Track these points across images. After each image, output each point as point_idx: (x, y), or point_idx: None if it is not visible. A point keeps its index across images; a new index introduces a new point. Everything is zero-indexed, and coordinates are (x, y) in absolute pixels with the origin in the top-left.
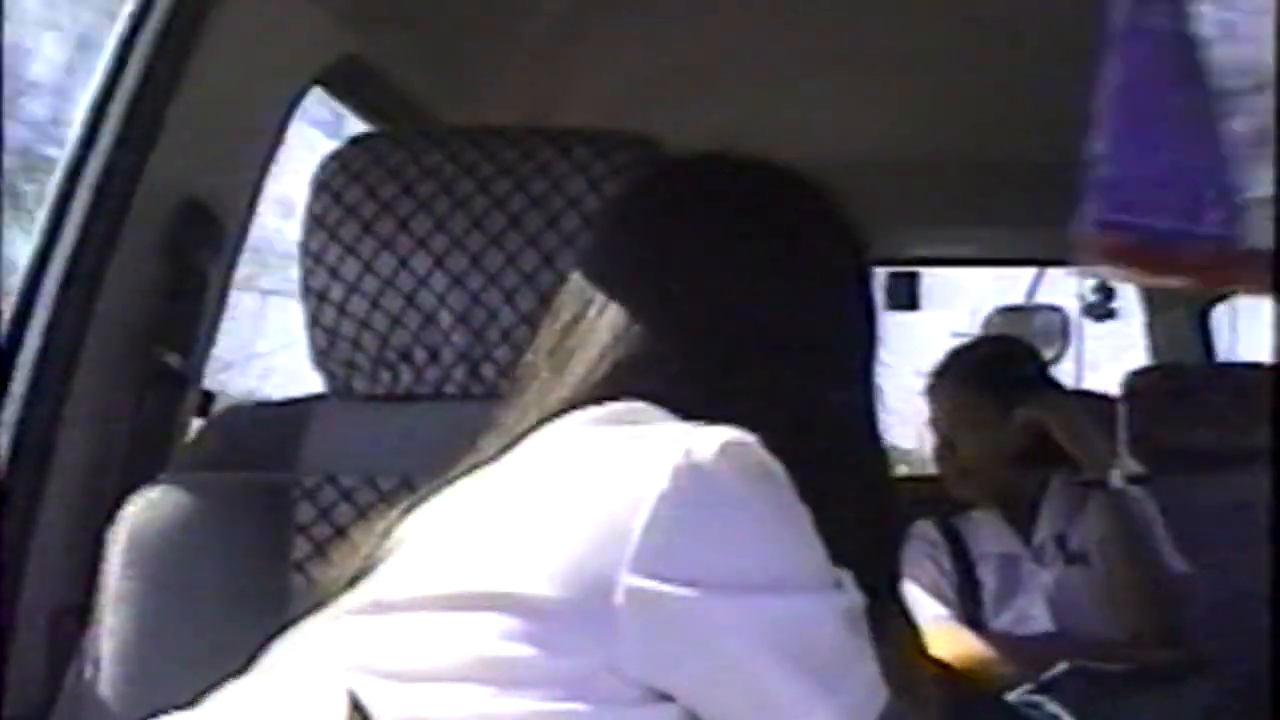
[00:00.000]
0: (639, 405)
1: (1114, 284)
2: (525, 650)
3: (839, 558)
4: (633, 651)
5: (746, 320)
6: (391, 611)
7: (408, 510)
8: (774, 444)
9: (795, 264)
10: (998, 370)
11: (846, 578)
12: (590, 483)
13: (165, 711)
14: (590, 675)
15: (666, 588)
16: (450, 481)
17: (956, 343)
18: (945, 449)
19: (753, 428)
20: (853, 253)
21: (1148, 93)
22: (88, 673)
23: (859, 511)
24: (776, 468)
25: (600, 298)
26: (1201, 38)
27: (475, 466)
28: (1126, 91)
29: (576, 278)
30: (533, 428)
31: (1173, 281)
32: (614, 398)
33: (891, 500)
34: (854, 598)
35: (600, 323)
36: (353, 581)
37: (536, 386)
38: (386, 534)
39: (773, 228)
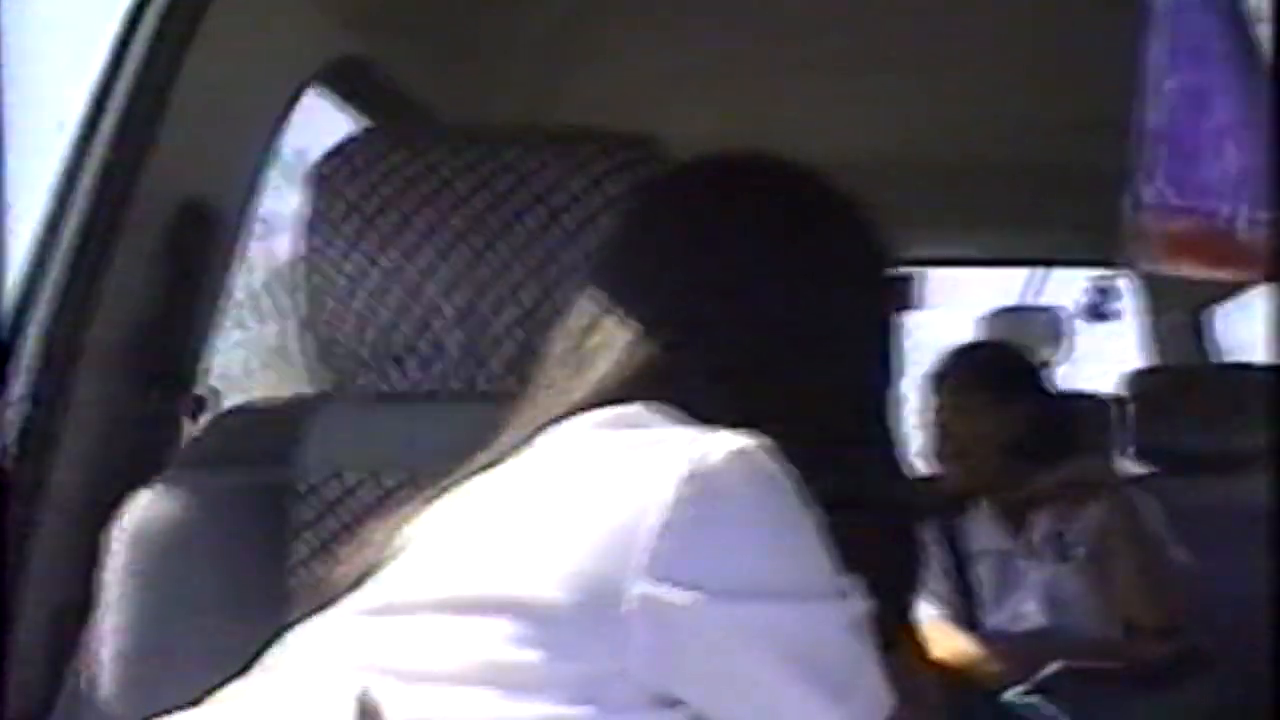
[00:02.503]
0: (648, 408)
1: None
2: (533, 655)
3: (857, 566)
4: (642, 657)
5: (769, 325)
6: (400, 613)
7: (415, 510)
8: (791, 449)
9: (819, 269)
10: (997, 373)
11: (851, 585)
12: (601, 488)
13: (168, 710)
14: (599, 680)
15: (677, 595)
16: (458, 481)
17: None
18: (941, 432)
19: (772, 433)
20: (875, 258)
21: (1196, 68)
22: (88, 671)
23: (879, 521)
24: (784, 475)
25: (621, 299)
26: (1248, 12)
27: (485, 467)
28: (1173, 69)
29: (596, 278)
30: (544, 428)
31: (1233, 274)
32: (632, 399)
33: (914, 509)
34: (858, 606)
35: (622, 325)
36: (359, 581)
37: (552, 386)
38: (393, 534)
39: (797, 232)
